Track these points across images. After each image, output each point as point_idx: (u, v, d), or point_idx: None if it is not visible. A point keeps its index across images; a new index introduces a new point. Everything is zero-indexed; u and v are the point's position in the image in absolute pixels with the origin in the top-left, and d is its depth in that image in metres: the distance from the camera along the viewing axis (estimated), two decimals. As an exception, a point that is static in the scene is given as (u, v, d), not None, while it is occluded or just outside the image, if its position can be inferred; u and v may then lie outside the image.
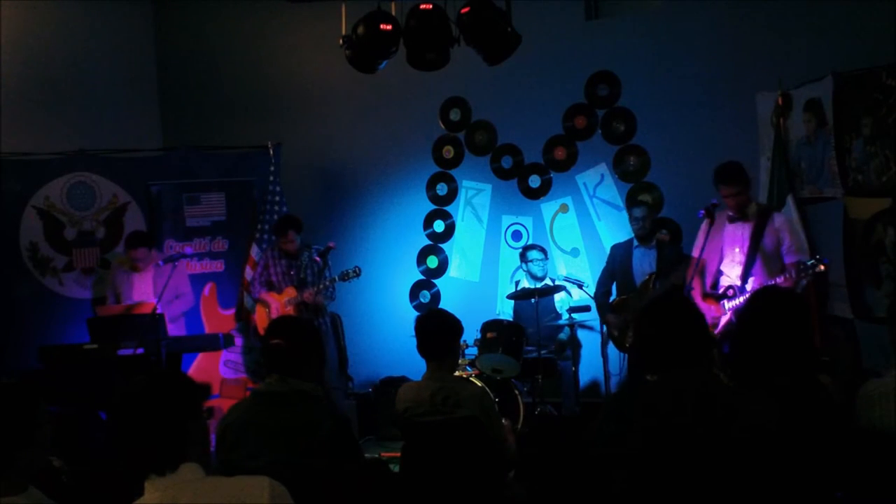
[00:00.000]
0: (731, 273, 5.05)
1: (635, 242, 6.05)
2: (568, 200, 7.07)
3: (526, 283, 6.55)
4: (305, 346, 3.10)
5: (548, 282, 6.50)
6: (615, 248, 6.28)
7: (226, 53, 8.13)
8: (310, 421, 2.96)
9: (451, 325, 3.84)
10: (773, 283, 4.78)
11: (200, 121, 8.07)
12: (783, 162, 5.62)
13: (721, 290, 5.03)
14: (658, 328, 2.43)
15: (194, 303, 6.73)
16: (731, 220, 5.08)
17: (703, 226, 5.20)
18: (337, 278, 6.25)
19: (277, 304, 6.34)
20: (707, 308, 4.96)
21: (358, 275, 6.22)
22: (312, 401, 3.03)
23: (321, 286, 6.26)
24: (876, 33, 5.40)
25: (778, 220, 5.02)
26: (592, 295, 6.29)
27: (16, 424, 2.14)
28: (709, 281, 5.15)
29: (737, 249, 5.05)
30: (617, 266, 6.14)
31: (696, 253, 5.23)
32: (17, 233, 6.66)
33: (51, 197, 6.78)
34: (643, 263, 5.95)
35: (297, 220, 6.43)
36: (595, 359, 6.54)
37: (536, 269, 6.48)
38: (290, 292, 6.33)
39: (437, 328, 3.83)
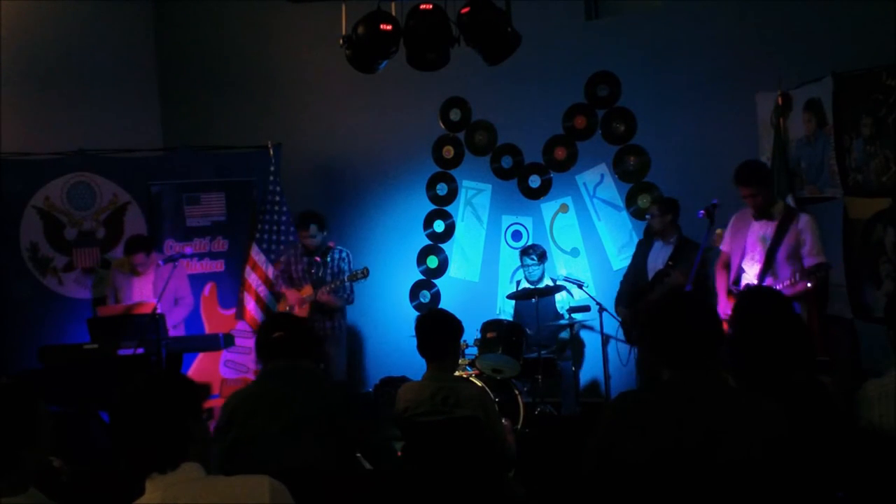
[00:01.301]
0: (751, 271, 5.05)
1: (655, 237, 6.04)
2: (568, 200, 7.07)
3: (526, 285, 6.55)
4: (302, 336, 3.49)
5: (548, 282, 6.50)
6: (639, 242, 6.29)
7: (226, 53, 8.13)
8: (318, 389, 3.35)
9: (452, 326, 3.85)
10: (786, 282, 4.78)
11: (200, 121, 8.06)
12: (783, 162, 5.62)
13: (740, 288, 5.04)
14: (676, 324, 2.39)
15: (194, 306, 6.74)
16: (756, 217, 5.06)
17: (732, 221, 5.19)
18: (346, 279, 6.26)
19: (294, 297, 6.35)
20: (727, 304, 4.97)
21: (366, 276, 6.23)
22: (317, 374, 3.40)
23: (330, 286, 6.25)
24: (876, 33, 5.40)
25: (802, 221, 4.92)
26: (620, 284, 6.30)
27: (20, 422, 2.15)
28: (731, 276, 5.16)
29: (758, 248, 5.04)
30: (638, 260, 6.14)
31: (724, 247, 5.23)
32: (18, 233, 6.66)
33: (51, 197, 6.78)
34: (657, 259, 5.93)
35: (319, 216, 6.39)
36: (595, 359, 6.55)
37: (529, 273, 6.49)
38: (307, 290, 6.32)
39: (437, 328, 3.84)
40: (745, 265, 5.11)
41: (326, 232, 6.44)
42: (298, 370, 3.37)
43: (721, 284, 5.18)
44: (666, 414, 2.29)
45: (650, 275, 5.93)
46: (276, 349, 3.38)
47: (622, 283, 6.27)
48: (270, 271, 6.80)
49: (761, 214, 5.02)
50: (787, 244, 4.90)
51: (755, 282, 4.98)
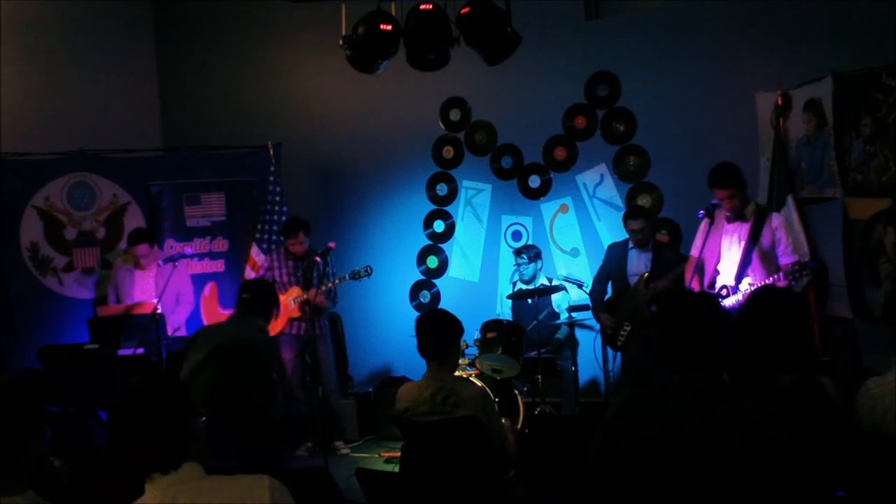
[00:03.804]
0: (728, 273, 5.06)
1: (631, 243, 6.06)
2: (568, 200, 7.07)
3: (520, 285, 6.54)
4: (264, 297, 4.86)
5: (544, 281, 6.50)
6: (612, 247, 6.28)
7: (226, 53, 8.13)
8: (249, 331, 4.67)
9: (452, 326, 3.86)
10: (769, 282, 4.79)
11: (200, 121, 8.06)
12: (783, 162, 5.62)
13: (716, 290, 5.04)
14: (684, 327, 2.36)
15: (195, 305, 6.74)
16: (730, 219, 5.09)
17: (703, 225, 5.21)
18: (348, 276, 6.27)
19: (282, 301, 6.34)
20: None
21: (369, 274, 6.29)
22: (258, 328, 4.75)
23: (326, 286, 6.27)
24: (876, 33, 5.40)
25: (775, 220, 5.02)
26: (588, 292, 6.30)
27: (25, 416, 2.15)
28: (706, 280, 5.16)
29: (734, 249, 5.06)
30: (613, 266, 6.14)
31: (694, 252, 5.24)
32: (18, 233, 6.66)
33: (51, 197, 6.78)
34: (638, 264, 5.96)
35: (307, 223, 6.42)
36: (595, 359, 6.54)
37: (521, 272, 6.48)
38: (295, 291, 6.34)
39: (437, 328, 3.85)
40: (721, 267, 5.12)
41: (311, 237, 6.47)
42: (246, 322, 4.71)
43: (695, 287, 5.18)
44: (669, 413, 2.29)
45: (631, 280, 5.94)
46: (238, 304, 4.86)
47: (594, 289, 6.26)
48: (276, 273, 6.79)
49: (735, 218, 5.04)
50: (762, 244, 4.93)
51: (733, 283, 4.99)
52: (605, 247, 6.86)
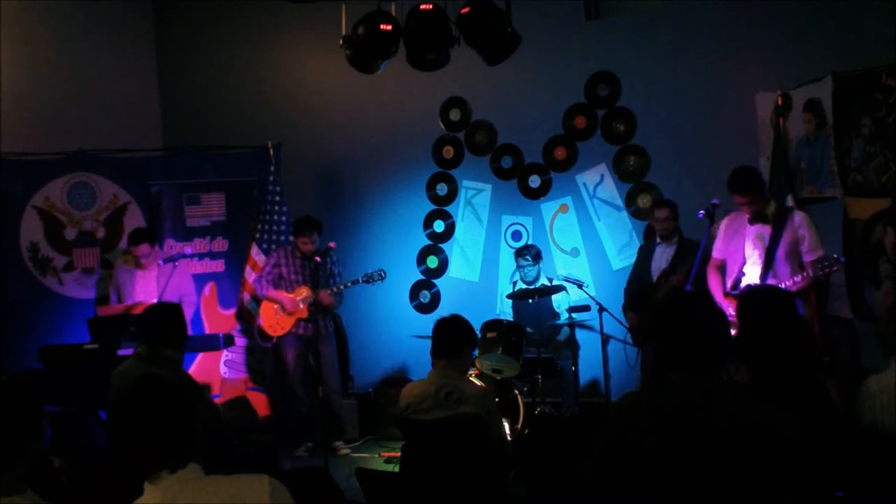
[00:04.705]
0: (753, 273, 5.05)
1: (657, 240, 6.02)
2: (568, 200, 7.07)
3: (522, 286, 6.55)
4: (167, 323, 4.10)
5: (545, 282, 6.50)
6: (641, 247, 6.28)
7: (226, 53, 8.14)
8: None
9: (465, 330, 4.01)
10: (797, 279, 4.77)
11: (200, 121, 8.07)
12: (783, 162, 5.62)
13: (741, 289, 5.04)
14: (685, 329, 2.36)
15: (197, 304, 6.74)
16: (751, 221, 5.06)
17: (723, 227, 5.18)
18: (361, 279, 6.29)
19: (290, 301, 6.33)
20: (727, 306, 4.95)
21: (382, 278, 6.33)
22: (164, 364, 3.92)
23: (338, 287, 6.28)
24: (876, 33, 5.40)
25: (797, 218, 4.95)
26: (624, 289, 6.26)
27: (27, 416, 2.16)
28: (730, 281, 5.14)
29: (757, 251, 5.04)
30: (640, 264, 6.13)
31: (716, 254, 5.22)
32: (18, 233, 6.65)
33: (51, 197, 6.78)
34: (661, 260, 5.91)
35: (320, 223, 6.42)
36: (595, 359, 6.55)
37: (525, 274, 6.49)
38: (304, 291, 6.33)
39: (450, 331, 3.97)
40: (746, 268, 5.10)
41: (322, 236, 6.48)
42: (159, 359, 3.95)
43: (716, 288, 5.17)
44: (669, 414, 2.29)
45: (654, 276, 5.93)
46: (140, 335, 4.17)
47: (627, 288, 6.25)
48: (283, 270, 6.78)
49: (756, 219, 5.03)
50: (785, 243, 4.91)
51: (758, 282, 4.97)
52: (605, 246, 6.89)
